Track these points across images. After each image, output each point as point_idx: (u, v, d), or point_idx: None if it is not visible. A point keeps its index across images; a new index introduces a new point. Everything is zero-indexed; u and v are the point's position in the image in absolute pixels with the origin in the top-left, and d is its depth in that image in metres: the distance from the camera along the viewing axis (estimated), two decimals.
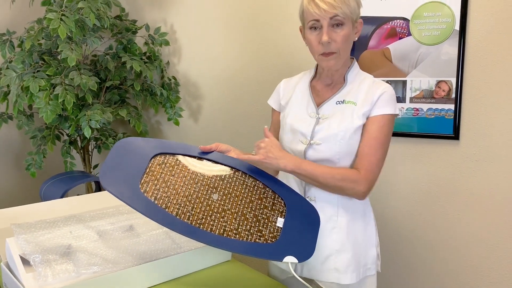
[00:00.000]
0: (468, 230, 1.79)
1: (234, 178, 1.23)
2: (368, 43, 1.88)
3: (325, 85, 1.34)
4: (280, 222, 1.16)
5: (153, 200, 1.07)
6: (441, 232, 1.84)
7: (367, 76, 1.33)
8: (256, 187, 1.23)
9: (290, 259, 1.07)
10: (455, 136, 1.75)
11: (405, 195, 1.89)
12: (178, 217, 1.06)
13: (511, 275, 1.72)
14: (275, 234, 1.13)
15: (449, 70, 1.73)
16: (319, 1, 1.19)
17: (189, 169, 1.20)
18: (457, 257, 1.82)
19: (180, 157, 1.23)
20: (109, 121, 2.13)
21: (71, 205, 1.53)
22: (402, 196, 1.90)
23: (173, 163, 1.20)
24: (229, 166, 1.26)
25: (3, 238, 1.26)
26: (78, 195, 2.10)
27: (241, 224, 1.12)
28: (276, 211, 1.19)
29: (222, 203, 1.15)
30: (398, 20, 1.81)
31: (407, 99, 1.82)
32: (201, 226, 1.07)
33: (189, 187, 1.15)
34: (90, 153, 2.48)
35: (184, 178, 1.17)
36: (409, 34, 1.79)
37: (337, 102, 1.30)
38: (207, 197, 1.15)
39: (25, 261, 1.15)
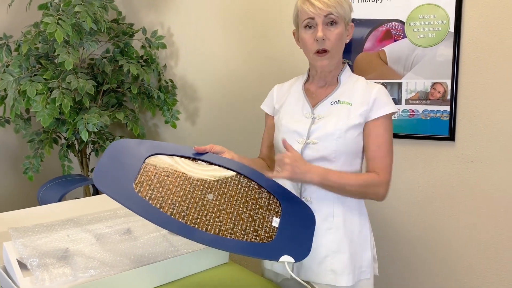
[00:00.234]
0: (464, 231, 1.80)
1: (229, 179, 1.24)
2: (363, 46, 1.89)
3: (319, 87, 1.36)
4: (275, 222, 1.17)
5: (147, 200, 1.07)
6: (438, 233, 1.85)
7: (359, 78, 1.36)
8: (251, 187, 1.24)
9: (286, 259, 1.08)
10: (451, 137, 1.76)
11: (402, 196, 1.90)
12: (173, 216, 1.06)
13: (508, 275, 1.73)
14: (271, 234, 1.14)
15: (444, 71, 1.74)
16: (313, 0, 1.23)
17: (183, 170, 1.20)
18: (455, 257, 1.83)
19: (174, 158, 1.23)
20: (106, 124, 2.13)
21: (69, 209, 1.53)
22: (399, 197, 1.90)
23: (167, 163, 1.20)
24: (223, 167, 1.27)
25: (0, 242, 1.26)
26: (75, 198, 2.11)
27: (236, 224, 1.12)
28: (272, 211, 1.20)
29: (217, 203, 1.15)
30: (393, 23, 1.82)
31: (403, 101, 1.83)
32: (196, 225, 1.07)
33: (184, 187, 1.15)
34: (87, 156, 2.48)
35: (178, 179, 1.17)
36: (404, 36, 1.80)
37: (332, 103, 1.32)
38: (202, 197, 1.15)
39: (22, 265, 1.16)
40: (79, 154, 2.44)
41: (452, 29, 1.71)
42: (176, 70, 2.52)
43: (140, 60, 2.40)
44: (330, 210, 1.30)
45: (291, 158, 1.19)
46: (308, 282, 1.34)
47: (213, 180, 1.21)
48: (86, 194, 2.47)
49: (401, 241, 1.93)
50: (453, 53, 1.71)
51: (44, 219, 1.43)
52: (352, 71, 1.81)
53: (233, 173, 1.26)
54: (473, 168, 1.75)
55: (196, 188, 1.17)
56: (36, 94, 1.99)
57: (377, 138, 1.28)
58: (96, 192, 2.38)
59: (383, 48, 1.85)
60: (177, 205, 1.10)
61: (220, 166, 1.27)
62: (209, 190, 1.18)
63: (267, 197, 1.23)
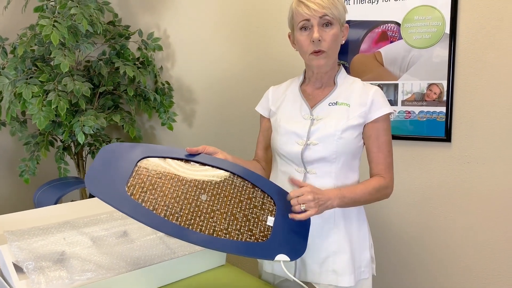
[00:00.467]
0: (461, 231, 1.80)
1: (223, 179, 1.24)
2: (359, 47, 1.89)
3: (316, 88, 1.37)
4: (270, 221, 1.17)
5: (140, 203, 1.07)
6: (435, 233, 1.85)
7: (355, 80, 1.37)
8: (244, 187, 1.24)
9: (281, 258, 1.08)
10: (447, 138, 1.76)
11: (399, 196, 1.90)
12: (166, 218, 1.06)
13: (505, 275, 1.74)
14: (265, 233, 1.14)
15: (440, 73, 1.75)
16: (308, 2, 1.23)
17: (176, 172, 1.20)
18: (452, 258, 1.83)
19: (167, 160, 1.23)
20: (102, 126, 2.12)
21: (65, 211, 1.52)
22: (396, 198, 1.91)
23: (160, 165, 1.20)
24: (216, 167, 1.27)
25: None
26: (72, 201, 2.10)
27: (231, 224, 1.12)
28: (266, 210, 1.20)
29: (211, 203, 1.15)
30: (389, 24, 1.82)
31: (399, 102, 1.83)
32: (190, 226, 1.07)
33: (177, 188, 1.15)
34: (84, 158, 2.47)
35: (171, 180, 1.17)
36: (400, 38, 1.81)
37: (330, 104, 1.32)
38: (195, 198, 1.15)
39: (18, 268, 1.15)
40: (75, 157, 2.43)
41: (447, 30, 1.72)
42: (173, 72, 2.52)
43: (137, 62, 2.40)
44: (331, 212, 1.31)
45: (312, 194, 1.16)
46: (309, 283, 1.34)
47: (206, 181, 1.21)
48: (83, 197, 2.46)
49: (398, 242, 1.93)
50: (449, 54, 1.72)
51: (40, 222, 1.43)
52: (348, 72, 1.82)
53: (227, 173, 1.26)
54: (469, 169, 1.75)
55: (189, 189, 1.16)
56: (32, 97, 1.98)
57: (377, 140, 1.30)
58: (92, 194, 2.37)
59: (379, 50, 1.86)
60: (170, 206, 1.10)
61: (213, 166, 1.26)
62: (202, 190, 1.18)
63: (261, 196, 1.23)
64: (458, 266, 1.82)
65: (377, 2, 1.83)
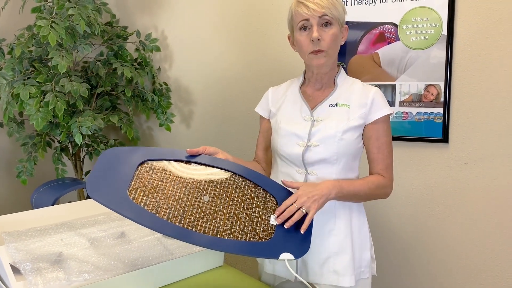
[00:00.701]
0: (459, 231, 1.80)
1: (224, 179, 1.23)
2: (357, 48, 1.90)
3: (316, 90, 1.37)
4: (273, 219, 1.16)
5: (142, 206, 1.07)
6: (433, 234, 1.86)
7: (355, 81, 1.37)
8: (246, 186, 1.24)
9: (286, 256, 1.07)
10: (444, 139, 1.77)
11: (397, 197, 1.90)
12: (169, 221, 1.06)
13: (503, 275, 1.74)
14: (269, 232, 1.13)
15: (437, 74, 1.75)
16: (308, 2, 1.24)
17: (177, 173, 1.20)
18: (451, 258, 1.83)
19: (167, 162, 1.23)
20: (100, 127, 2.12)
21: (62, 212, 1.52)
22: (394, 199, 1.91)
23: (161, 168, 1.20)
24: (218, 168, 1.26)
25: None
26: (69, 202, 2.10)
27: (234, 224, 1.12)
28: (269, 209, 1.19)
29: (214, 204, 1.15)
30: (386, 25, 1.83)
31: (396, 103, 1.84)
32: (194, 228, 1.07)
33: (179, 191, 1.15)
34: (81, 159, 2.47)
35: (173, 183, 1.17)
36: (398, 39, 1.81)
37: (330, 105, 1.32)
38: (197, 200, 1.14)
39: (15, 270, 1.15)
40: (73, 158, 2.43)
41: (445, 31, 1.72)
42: (170, 73, 2.52)
43: (134, 63, 2.40)
44: (331, 212, 1.31)
45: (304, 195, 1.16)
46: (310, 284, 1.34)
47: (208, 182, 1.20)
48: (80, 198, 2.46)
49: (397, 242, 1.94)
50: (446, 56, 1.72)
51: (38, 223, 1.43)
52: (346, 73, 1.82)
53: (228, 174, 1.25)
54: (466, 169, 1.76)
55: (191, 191, 1.16)
56: (30, 98, 1.98)
57: (377, 140, 1.31)
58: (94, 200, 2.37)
59: (376, 51, 1.86)
60: (173, 209, 1.10)
61: (214, 167, 1.26)
62: (204, 192, 1.17)
63: (264, 195, 1.23)
64: (457, 265, 1.82)
65: (375, 3, 1.84)
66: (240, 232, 1.10)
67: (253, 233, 1.11)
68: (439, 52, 1.74)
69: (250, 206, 1.18)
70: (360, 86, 1.34)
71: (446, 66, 1.73)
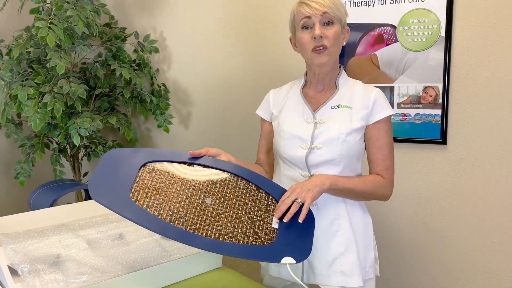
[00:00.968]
0: (457, 232, 1.81)
1: (227, 181, 1.23)
2: (355, 50, 1.90)
3: (317, 92, 1.37)
4: (275, 223, 1.15)
5: (144, 208, 1.07)
6: (432, 234, 1.86)
7: (356, 82, 1.37)
8: (249, 189, 1.23)
9: (287, 260, 1.07)
10: (443, 140, 1.77)
11: (395, 199, 1.90)
12: (171, 223, 1.05)
13: (503, 276, 1.74)
14: (271, 235, 1.13)
15: (435, 75, 1.76)
16: (309, 2, 1.25)
17: (180, 175, 1.20)
18: (451, 259, 1.84)
19: (170, 164, 1.23)
20: (98, 128, 2.12)
21: (61, 214, 1.52)
22: (392, 200, 1.91)
23: (163, 170, 1.20)
24: (220, 170, 1.26)
25: None
26: (68, 203, 2.09)
27: (236, 227, 1.11)
28: (271, 212, 1.18)
29: (216, 207, 1.14)
30: (385, 27, 1.83)
31: (395, 105, 1.84)
32: (196, 231, 1.06)
33: (181, 193, 1.15)
34: (79, 161, 2.46)
35: (175, 185, 1.16)
36: (396, 41, 1.81)
37: (332, 107, 1.32)
38: (200, 202, 1.14)
39: (13, 271, 1.15)
40: (71, 159, 2.42)
41: (443, 33, 1.72)
42: (169, 74, 2.52)
43: (133, 64, 2.40)
44: (336, 213, 1.31)
45: (297, 187, 1.18)
46: (317, 286, 1.33)
47: (211, 184, 1.20)
48: (78, 199, 2.46)
49: (396, 243, 1.94)
50: (445, 57, 1.73)
51: (36, 224, 1.42)
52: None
53: (231, 176, 1.25)
54: (464, 171, 1.76)
55: (194, 193, 1.16)
56: (28, 99, 1.98)
57: (378, 141, 1.31)
58: (88, 197, 2.36)
59: (375, 52, 1.86)
60: (175, 211, 1.09)
61: (217, 169, 1.26)
62: (207, 194, 1.17)
63: (266, 199, 1.22)
64: (457, 266, 1.82)
65: (373, 5, 1.84)
66: (242, 235, 1.10)
67: (255, 236, 1.11)
68: (438, 54, 1.74)
69: (252, 209, 1.18)
70: (362, 87, 1.34)
71: (444, 68, 1.73)
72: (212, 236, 1.06)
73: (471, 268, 1.79)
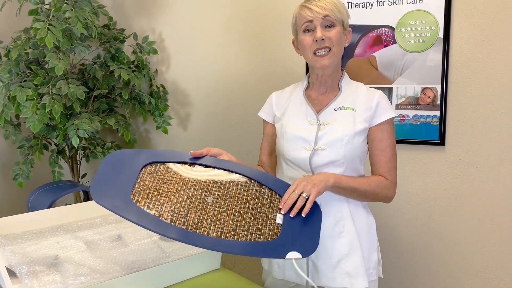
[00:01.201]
0: (455, 233, 1.81)
1: (228, 180, 1.22)
2: (354, 51, 1.90)
3: (320, 94, 1.38)
4: (279, 218, 1.14)
5: (146, 209, 1.07)
6: (431, 235, 1.86)
7: (359, 84, 1.38)
8: (251, 186, 1.22)
9: (293, 255, 1.04)
10: (441, 142, 1.77)
11: (394, 200, 1.90)
12: (172, 223, 1.05)
13: (503, 277, 1.74)
14: (275, 231, 1.11)
15: (434, 77, 1.76)
16: (311, 5, 1.26)
17: (181, 175, 1.20)
18: (449, 259, 1.84)
19: (171, 165, 1.23)
20: (97, 130, 2.12)
21: (59, 215, 1.52)
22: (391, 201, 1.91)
23: (164, 171, 1.20)
24: (222, 169, 1.25)
25: None
26: (66, 205, 2.09)
27: (239, 224, 1.10)
28: (275, 208, 1.17)
29: (217, 205, 1.14)
30: (383, 28, 1.83)
31: (393, 106, 1.84)
32: (197, 230, 1.06)
33: (182, 193, 1.15)
34: (78, 162, 2.46)
35: (176, 185, 1.16)
36: (394, 42, 1.82)
37: (336, 109, 1.33)
38: (201, 201, 1.14)
39: (11, 273, 1.15)
40: (69, 160, 2.42)
41: (441, 34, 1.73)
42: (168, 76, 2.52)
43: (131, 66, 2.40)
44: (340, 214, 1.31)
45: (303, 180, 1.17)
46: None
47: (212, 183, 1.20)
48: (77, 200, 2.45)
49: (395, 244, 1.94)
50: (443, 59, 1.73)
51: (34, 225, 1.42)
52: None
53: (232, 174, 1.24)
54: (463, 172, 1.76)
55: (195, 193, 1.16)
56: (26, 100, 1.98)
57: (381, 143, 1.31)
58: (87, 198, 2.36)
59: (373, 54, 1.87)
60: (176, 211, 1.09)
61: (218, 168, 1.25)
62: (208, 193, 1.17)
63: (269, 194, 1.21)
64: (456, 267, 1.82)
65: (371, 6, 1.85)
66: (245, 232, 1.09)
67: (258, 233, 1.10)
68: (436, 55, 1.74)
69: (255, 206, 1.17)
70: (365, 89, 1.35)
71: (443, 69, 1.74)
72: (214, 235, 1.06)
73: (471, 268, 1.79)
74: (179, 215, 1.08)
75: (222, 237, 1.06)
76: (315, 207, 1.18)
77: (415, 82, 1.79)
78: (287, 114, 1.40)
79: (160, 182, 1.16)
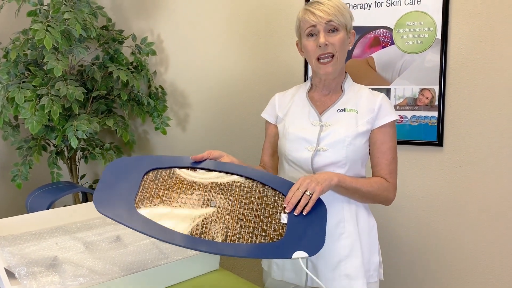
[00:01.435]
0: (454, 234, 1.81)
1: (231, 183, 1.22)
2: (352, 52, 1.91)
3: (323, 95, 1.38)
4: (284, 218, 1.13)
5: (150, 217, 1.07)
6: (429, 236, 1.86)
7: (362, 87, 1.39)
8: (254, 187, 1.22)
9: (299, 254, 1.04)
10: (439, 142, 1.78)
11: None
12: (176, 230, 1.05)
13: (503, 276, 1.75)
14: (280, 231, 1.10)
15: (431, 78, 1.76)
16: (314, 10, 1.26)
17: (183, 181, 1.19)
18: (449, 260, 1.84)
19: (172, 170, 1.22)
20: (96, 131, 2.12)
21: (58, 216, 1.52)
22: None
23: (166, 177, 1.19)
24: (224, 172, 1.25)
25: None
26: (65, 206, 2.09)
27: (243, 227, 1.10)
28: (279, 208, 1.16)
29: (221, 209, 1.14)
30: (381, 29, 1.84)
31: None
32: (202, 235, 1.05)
33: (185, 198, 1.15)
34: (77, 163, 2.46)
35: (179, 190, 1.16)
36: (392, 43, 1.82)
37: (338, 110, 1.34)
38: (205, 206, 1.14)
39: (10, 274, 1.15)
40: (68, 161, 2.42)
41: (439, 35, 1.73)
42: (166, 77, 2.52)
43: (130, 67, 2.40)
44: (341, 215, 1.32)
45: (307, 178, 1.17)
46: None
47: (215, 187, 1.20)
48: (75, 202, 2.45)
49: (392, 244, 1.94)
50: (441, 60, 1.74)
51: (33, 227, 1.42)
52: None
53: (234, 176, 1.24)
54: (461, 172, 1.77)
55: (198, 198, 1.16)
56: (25, 101, 1.98)
57: (382, 145, 1.32)
58: (86, 199, 2.36)
59: (371, 55, 1.87)
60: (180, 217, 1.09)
61: (220, 171, 1.25)
62: (211, 197, 1.17)
63: (273, 194, 1.20)
64: (456, 267, 1.83)
65: (369, 7, 1.85)
66: (250, 234, 1.08)
67: (263, 234, 1.09)
68: (434, 56, 1.75)
69: (259, 207, 1.16)
70: (368, 92, 1.36)
71: (441, 70, 1.74)
72: (219, 239, 1.06)
73: (471, 268, 1.79)
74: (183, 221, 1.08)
75: (228, 240, 1.06)
76: (320, 205, 1.17)
77: (413, 83, 1.80)
78: (289, 115, 1.40)
79: (162, 188, 1.16)
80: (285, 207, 1.16)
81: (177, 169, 1.23)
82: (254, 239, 1.08)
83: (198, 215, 1.11)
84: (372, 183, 1.30)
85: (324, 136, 1.31)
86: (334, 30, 1.27)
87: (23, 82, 2.04)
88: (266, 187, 1.23)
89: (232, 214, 1.13)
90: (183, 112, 2.49)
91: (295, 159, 1.34)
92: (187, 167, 1.24)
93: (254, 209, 1.16)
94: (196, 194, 1.16)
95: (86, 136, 2.05)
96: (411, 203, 1.87)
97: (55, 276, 1.16)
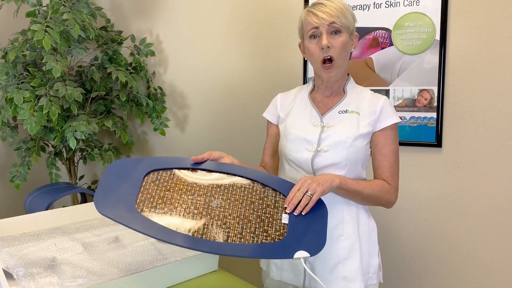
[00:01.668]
0: (453, 235, 1.81)
1: (232, 183, 1.22)
2: (351, 53, 1.90)
3: (325, 96, 1.38)
4: (285, 218, 1.14)
5: (151, 218, 1.07)
6: (428, 236, 1.86)
7: (364, 89, 1.39)
8: (255, 187, 1.22)
9: (301, 254, 1.04)
10: (438, 143, 1.78)
11: None
12: (178, 230, 1.05)
13: (503, 277, 1.75)
14: (281, 231, 1.11)
15: (430, 79, 1.77)
16: (317, 11, 1.26)
17: (184, 182, 1.19)
18: (448, 260, 1.84)
19: (173, 171, 1.22)
20: (94, 132, 2.12)
21: (56, 217, 1.52)
22: None
23: (167, 178, 1.20)
24: (224, 173, 1.25)
25: None
26: (63, 206, 2.09)
27: (244, 227, 1.10)
28: (280, 208, 1.17)
29: (222, 209, 1.14)
30: (380, 31, 1.84)
31: None
32: (203, 236, 1.05)
33: (186, 199, 1.14)
34: (75, 164, 2.46)
35: (180, 191, 1.16)
36: (391, 44, 1.82)
37: (340, 112, 1.34)
38: (206, 207, 1.13)
39: (8, 275, 1.14)
40: (67, 162, 2.42)
41: (438, 37, 1.74)
42: (165, 77, 2.52)
43: (129, 68, 2.40)
44: (340, 217, 1.32)
45: (308, 178, 1.17)
46: None
47: (215, 187, 1.20)
48: (74, 202, 2.45)
49: (391, 246, 1.94)
50: (439, 61, 1.74)
51: (31, 227, 1.42)
52: None
53: (235, 177, 1.24)
54: (460, 173, 1.77)
55: (199, 198, 1.16)
56: (24, 102, 1.98)
57: (384, 147, 1.32)
58: (84, 200, 2.36)
59: (370, 56, 1.87)
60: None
61: (220, 172, 1.25)
62: (212, 198, 1.17)
63: (273, 195, 1.21)
64: (456, 267, 1.83)
65: (368, 8, 1.85)
66: (251, 234, 1.09)
67: (264, 234, 1.09)
68: (432, 57, 1.75)
69: (260, 207, 1.17)
70: (370, 94, 1.36)
71: (439, 71, 1.74)
72: (221, 239, 1.06)
73: (470, 268, 1.79)
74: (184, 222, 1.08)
75: (229, 241, 1.06)
76: (321, 205, 1.18)
77: (412, 84, 1.80)
78: (291, 116, 1.41)
79: (163, 189, 1.16)
80: (285, 208, 1.16)
81: (177, 170, 1.23)
82: (255, 239, 1.08)
83: (199, 215, 1.11)
84: (374, 185, 1.29)
85: (325, 137, 1.31)
86: (337, 32, 1.27)
87: (22, 82, 2.04)
88: (266, 187, 1.23)
89: (233, 215, 1.13)
90: (182, 113, 2.49)
91: (296, 159, 1.34)
92: (187, 168, 1.25)
93: (255, 209, 1.16)
94: (197, 195, 1.16)
95: (85, 137, 2.05)
96: (410, 204, 1.88)
97: (54, 277, 1.16)
